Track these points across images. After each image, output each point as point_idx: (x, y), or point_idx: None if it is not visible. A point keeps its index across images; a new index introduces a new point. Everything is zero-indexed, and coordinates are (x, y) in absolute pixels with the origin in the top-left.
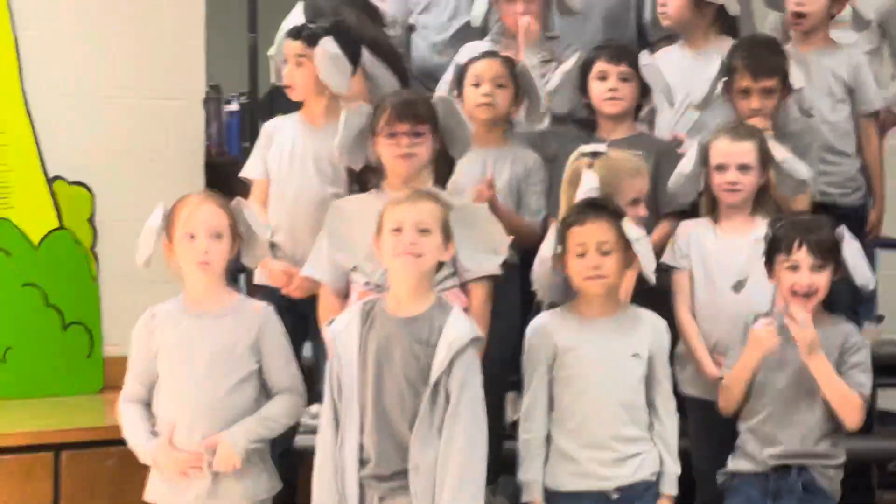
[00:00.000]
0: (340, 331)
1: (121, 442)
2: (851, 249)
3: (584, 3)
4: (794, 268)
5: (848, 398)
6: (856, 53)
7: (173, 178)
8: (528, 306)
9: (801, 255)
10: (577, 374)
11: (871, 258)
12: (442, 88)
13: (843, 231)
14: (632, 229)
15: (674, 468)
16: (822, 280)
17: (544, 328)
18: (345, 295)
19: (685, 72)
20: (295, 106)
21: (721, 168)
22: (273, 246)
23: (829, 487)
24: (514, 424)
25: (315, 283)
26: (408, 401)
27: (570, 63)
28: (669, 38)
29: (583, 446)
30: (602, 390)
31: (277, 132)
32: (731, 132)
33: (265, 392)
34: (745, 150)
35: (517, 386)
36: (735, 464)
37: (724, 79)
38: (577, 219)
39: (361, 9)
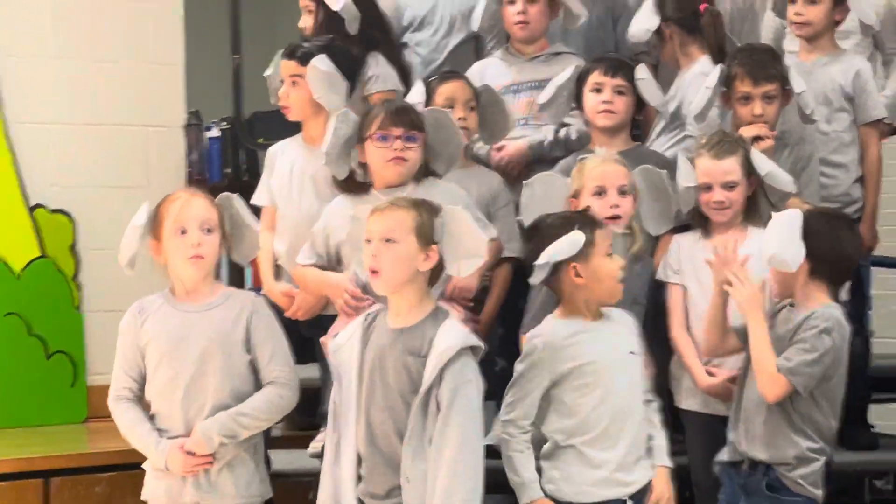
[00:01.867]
0: (342, 344)
1: (110, 468)
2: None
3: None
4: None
5: (764, 365)
6: (857, 60)
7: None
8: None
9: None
10: (596, 381)
11: (865, 275)
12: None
13: None
14: None
15: (665, 442)
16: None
17: (553, 342)
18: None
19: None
20: (277, 129)
21: (706, 187)
22: (277, 269)
23: (794, 489)
24: None
25: (319, 303)
26: (400, 413)
27: (565, 76)
28: (645, 53)
29: (607, 449)
30: (621, 393)
31: (279, 156)
32: (714, 149)
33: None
34: (729, 168)
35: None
36: (721, 452)
37: (723, 88)
38: None
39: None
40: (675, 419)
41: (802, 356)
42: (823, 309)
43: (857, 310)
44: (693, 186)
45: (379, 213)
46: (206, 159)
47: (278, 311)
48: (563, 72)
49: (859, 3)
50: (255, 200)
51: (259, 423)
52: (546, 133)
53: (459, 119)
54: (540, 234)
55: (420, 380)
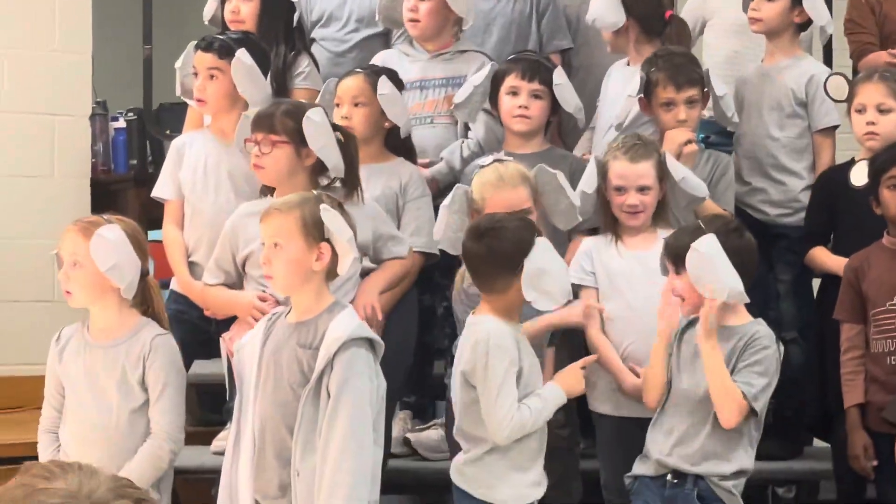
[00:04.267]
0: (245, 343)
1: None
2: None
3: (483, 15)
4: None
5: (729, 393)
6: (812, 65)
7: (60, 195)
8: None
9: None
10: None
11: (808, 287)
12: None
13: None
14: None
15: None
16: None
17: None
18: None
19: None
20: (182, 122)
21: (620, 190)
22: (193, 265)
23: (726, 499)
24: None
25: None
26: (291, 406)
27: (482, 76)
28: (564, 52)
29: None
30: None
31: (187, 149)
32: (629, 152)
33: None
34: (644, 172)
35: (410, 406)
36: (637, 467)
37: (640, 95)
38: None
39: None
40: (584, 424)
41: (760, 380)
42: (763, 328)
43: (802, 314)
44: (591, 193)
45: (265, 218)
46: (112, 150)
47: (196, 309)
48: (480, 71)
49: (814, 4)
50: (157, 193)
51: (145, 482)
52: (452, 158)
53: (343, 118)
54: (501, 234)
55: (311, 372)
